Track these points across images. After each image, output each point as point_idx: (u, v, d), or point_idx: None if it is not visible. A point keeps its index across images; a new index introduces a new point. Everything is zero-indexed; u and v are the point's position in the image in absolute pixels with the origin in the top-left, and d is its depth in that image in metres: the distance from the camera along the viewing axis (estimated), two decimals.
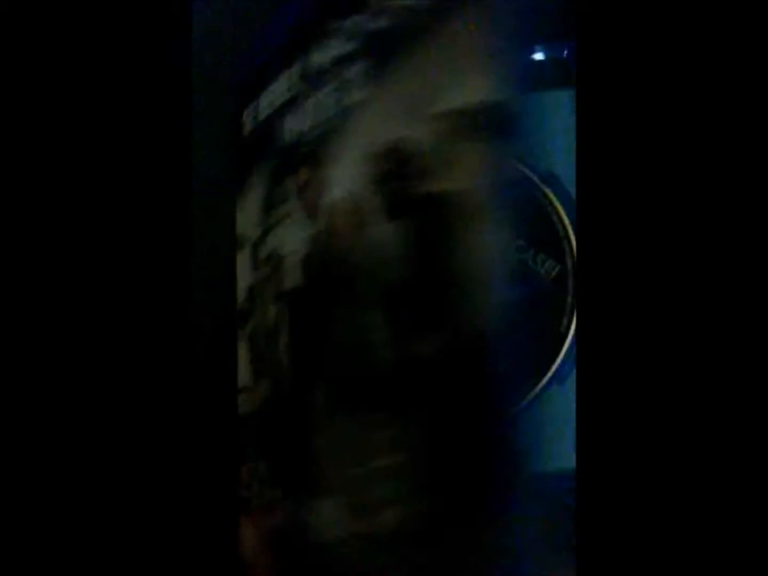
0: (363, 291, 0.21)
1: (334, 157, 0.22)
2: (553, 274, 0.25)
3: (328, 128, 0.22)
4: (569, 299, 0.24)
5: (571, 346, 0.24)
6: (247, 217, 0.27)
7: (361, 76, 0.22)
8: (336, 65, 0.23)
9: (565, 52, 0.26)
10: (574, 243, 0.25)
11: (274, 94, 0.25)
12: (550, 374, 0.24)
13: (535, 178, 0.25)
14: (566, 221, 0.25)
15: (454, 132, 0.19)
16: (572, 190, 0.24)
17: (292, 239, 0.23)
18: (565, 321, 0.24)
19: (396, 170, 0.20)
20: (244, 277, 0.27)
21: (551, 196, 0.25)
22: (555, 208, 0.25)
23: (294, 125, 0.24)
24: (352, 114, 0.22)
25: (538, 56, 0.26)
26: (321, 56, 0.23)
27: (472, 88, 0.19)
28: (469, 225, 0.19)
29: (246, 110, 0.27)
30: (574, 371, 0.23)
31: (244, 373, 0.27)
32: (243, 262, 0.27)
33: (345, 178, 0.22)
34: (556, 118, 0.24)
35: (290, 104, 0.24)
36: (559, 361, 0.24)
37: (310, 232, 0.23)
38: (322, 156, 0.23)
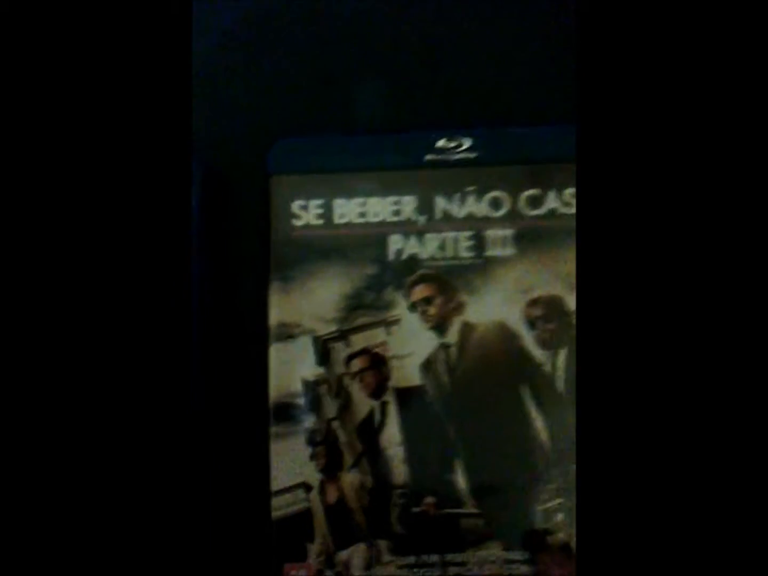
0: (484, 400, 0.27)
1: (471, 288, 0.28)
2: None
3: (464, 265, 0.28)
4: None
5: None
6: (299, 308, 0.28)
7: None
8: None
9: None
10: None
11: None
12: None
13: None
14: None
15: None
16: None
17: (409, 343, 0.28)
18: None
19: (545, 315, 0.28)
20: (296, 369, 0.28)
21: None
22: None
23: (406, 245, 0.29)
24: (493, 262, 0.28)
25: None
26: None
27: None
28: None
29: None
30: None
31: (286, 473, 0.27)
32: (290, 353, 0.28)
33: (488, 308, 0.28)
34: None
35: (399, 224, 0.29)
36: None
37: (437, 341, 0.28)
38: (451, 281, 0.28)
